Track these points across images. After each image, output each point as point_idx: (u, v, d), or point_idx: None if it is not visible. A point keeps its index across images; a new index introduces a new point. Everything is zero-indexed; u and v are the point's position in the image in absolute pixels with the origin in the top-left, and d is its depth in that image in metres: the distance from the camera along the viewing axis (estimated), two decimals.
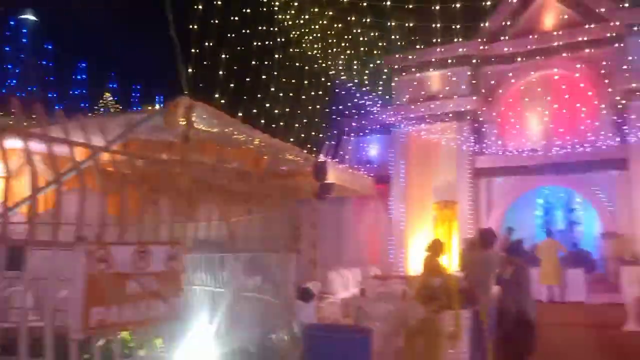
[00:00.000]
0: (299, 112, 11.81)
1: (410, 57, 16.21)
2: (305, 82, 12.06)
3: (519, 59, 15.70)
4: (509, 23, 16.08)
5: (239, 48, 10.48)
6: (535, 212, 17.26)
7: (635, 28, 13.69)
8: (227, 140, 7.38)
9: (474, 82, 15.94)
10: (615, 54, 14.37)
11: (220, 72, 9.44)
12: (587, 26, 14.81)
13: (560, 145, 15.04)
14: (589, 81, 15.00)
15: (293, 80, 11.63)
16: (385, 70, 16.23)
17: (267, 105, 10.69)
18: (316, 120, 12.37)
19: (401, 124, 16.17)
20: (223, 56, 9.71)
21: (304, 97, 11.92)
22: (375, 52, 14.85)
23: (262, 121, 10.09)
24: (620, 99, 14.06)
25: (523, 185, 15.60)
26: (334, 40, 12.84)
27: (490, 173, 15.78)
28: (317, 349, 4.28)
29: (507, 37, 15.97)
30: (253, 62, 10.79)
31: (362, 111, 15.48)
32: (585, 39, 14.76)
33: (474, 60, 15.81)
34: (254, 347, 3.61)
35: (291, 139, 10.49)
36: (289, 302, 4.26)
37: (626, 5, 13.98)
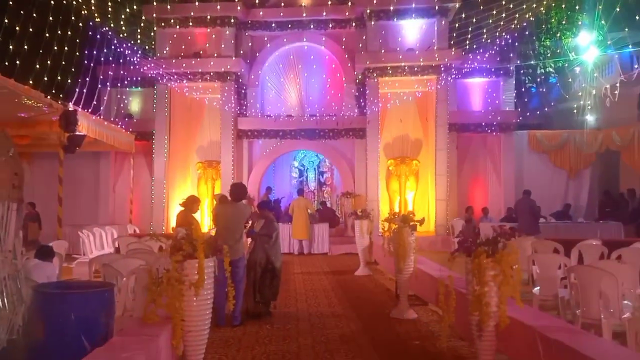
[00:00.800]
0: (41, 51, 10.31)
1: (169, 8, 15.58)
2: (51, 18, 10.55)
3: (274, 27, 16.38)
4: None
5: None
6: (291, 173, 18.60)
7: (368, 11, 15.40)
8: None
9: (234, 42, 16.08)
10: (356, 35, 16.10)
11: None
12: (331, 4, 16.06)
13: (311, 113, 16.40)
14: (334, 56, 16.53)
15: (34, 15, 10.04)
16: (144, 18, 15.26)
17: None
18: (64, 63, 10.99)
19: (163, 78, 15.59)
20: None
21: (48, 35, 10.43)
22: None
23: None
24: (358, 74, 15.90)
25: (281, 148, 16.62)
26: None
27: (252, 135, 16.39)
28: (49, 307, 3.97)
29: (264, 4, 16.42)
30: None
31: (121, 60, 14.35)
32: (332, 17, 16.12)
33: (233, 20, 15.93)
34: None
35: (31, 82, 9.20)
36: (10, 257, 3.82)
37: None
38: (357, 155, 16.08)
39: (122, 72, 14.83)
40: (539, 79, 16.20)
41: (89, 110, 11.92)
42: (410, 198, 15.97)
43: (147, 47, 15.72)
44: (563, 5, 13.73)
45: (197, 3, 15.10)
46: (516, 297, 4.17)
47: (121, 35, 13.67)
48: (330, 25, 16.25)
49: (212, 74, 15.66)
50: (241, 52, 16.29)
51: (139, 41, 14.78)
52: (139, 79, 16.12)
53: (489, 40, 13.87)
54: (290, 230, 14.54)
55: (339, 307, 7.94)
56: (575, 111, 14.76)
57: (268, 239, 7.39)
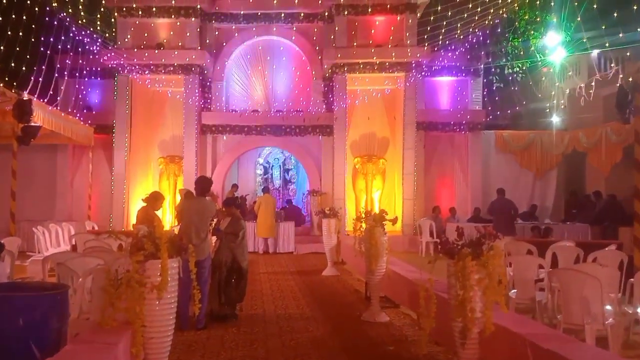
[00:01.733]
0: None
1: None
2: (5, 1, 9.90)
3: (242, 19, 15.91)
4: None
5: None
6: (256, 170, 18.21)
7: (337, 5, 15.06)
8: None
9: (199, 31, 15.50)
10: (326, 29, 15.82)
11: None
12: None
13: (277, 109, 16.06)
14: (303, 51, 16.21)
15: None
16: (104, 3, 14.59)
17: None
18: (18, 50, 10.33)
19: (124, 69, 14.94)
20: None
21: (1, 19, 9.76)
22: None
23: None
24: (328, 68, 15.63)
25: (246, 144, 16.21)
26: None
27: (216, 130, 15.93)
28: None
29: None
30: None
31: (80, 49, 13.64)
32: (302, 10, 15.77)
33: (198, 11, 15.34)
34: None
35: None
36: None
37: None
38: (324, 152, 15.83)
39: (81, 61, 14.11)
40: (510, 78, 16.22)
41: (45, 100, 11.28)
42: (376, 197, 15.83)
43: (107, 36, 15.02)
44: (537, 2, 13.75)
45: None
46: (500, 302, 3.99)
47: (80, 22, 12.98)
48: (301, 16, 15.87)
49: (175, 65, 15.10)
50: (207, 41, 15.76)
51: (98, 29, 14.07)
52: (99, 69, 15.39)
53: (461, 36, 13.81)
54: (255, 229, 14.18)
55: (308, 309, 7.69)
56: (547, 110, 14.87)
57: (234, 238, 7.08)
